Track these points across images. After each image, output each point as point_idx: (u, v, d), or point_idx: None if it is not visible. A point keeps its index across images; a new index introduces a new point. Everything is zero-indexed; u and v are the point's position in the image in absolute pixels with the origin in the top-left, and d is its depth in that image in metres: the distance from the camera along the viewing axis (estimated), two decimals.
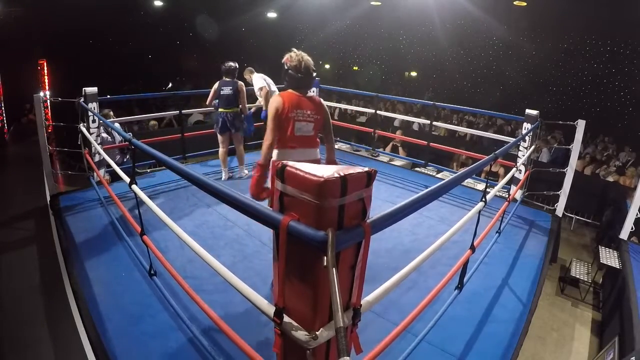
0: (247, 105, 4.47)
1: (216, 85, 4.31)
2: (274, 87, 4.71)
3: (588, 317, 3.76)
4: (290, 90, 2.42)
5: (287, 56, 2.40)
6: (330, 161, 2.59)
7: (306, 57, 2.40)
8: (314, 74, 2.44)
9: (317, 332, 1.17)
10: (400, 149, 6.58)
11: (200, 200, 3.90)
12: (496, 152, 2.51)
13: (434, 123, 5.41)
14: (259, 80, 4.62)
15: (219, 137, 4.44)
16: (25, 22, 9.43)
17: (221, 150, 4.48)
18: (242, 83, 4.33)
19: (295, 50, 2.42)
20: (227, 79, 4.29)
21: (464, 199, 4.36)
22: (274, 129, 2.33)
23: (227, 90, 4.25)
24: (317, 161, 2.49)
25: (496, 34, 11.23)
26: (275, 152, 2.39)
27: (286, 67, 2.40)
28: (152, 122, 7.43)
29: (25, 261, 3.59)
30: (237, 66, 4.35)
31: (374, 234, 1.22)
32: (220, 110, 4.31)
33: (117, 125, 4.55)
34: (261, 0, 12.20)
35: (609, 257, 3.82)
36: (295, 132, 2.35)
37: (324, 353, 1.25)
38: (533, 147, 4.26)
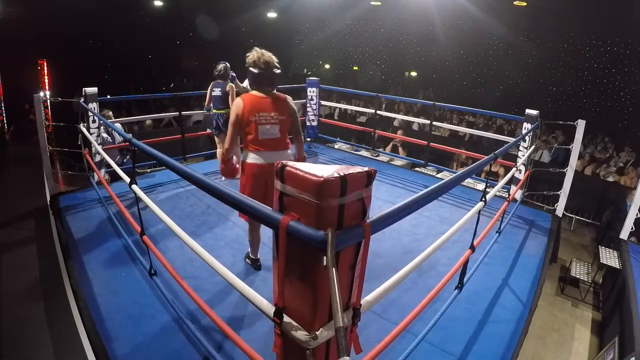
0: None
1: (210, 87, 4.34)
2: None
3: (588, 317, 3.76)
4: (253, 92, 2.36)
5: (248, 55, 2.37)
6: (301, 159, 2.57)
7: (267, 53, 2.35)
8: (277, 71, 2.36)
9: (317, 332, 1.17)
10: (400, 149, 6.58)
11: (200, 200, 3.90)
12: (496, 152, 2.50)
13: (434, 123, 5.41)
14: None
15: (216, 138, 4.45)
16: (25, 22, 9.43)
17: (218, 150, 4.49)
18: (232, 84, 4.30)
19: (256, 48, 2.38)
20: (219, 81, 4.30)
21: (464, 199, 4.36)
22: (232, 134, 2.33)
23: (217, 92, 4.27)
24: None
25: (496, 34, 11.21)
26: (244, 154, 2.39)
27: (246, 65, 2.35)
28: (148, 122, 7.41)
29: (25, 261, 3.60)
30: (227, 66, 4.32)
31: (373, 234, 1.21)
32: (213, 111, 4.33)
33: (117, 125, 4.55)
34: (261, 0, 12.19)
35: (609, 257, 3.82)
36: (259, 136, 2.30)
37: (324, 353, 1.25)
38: (533, 147, 4.26)
